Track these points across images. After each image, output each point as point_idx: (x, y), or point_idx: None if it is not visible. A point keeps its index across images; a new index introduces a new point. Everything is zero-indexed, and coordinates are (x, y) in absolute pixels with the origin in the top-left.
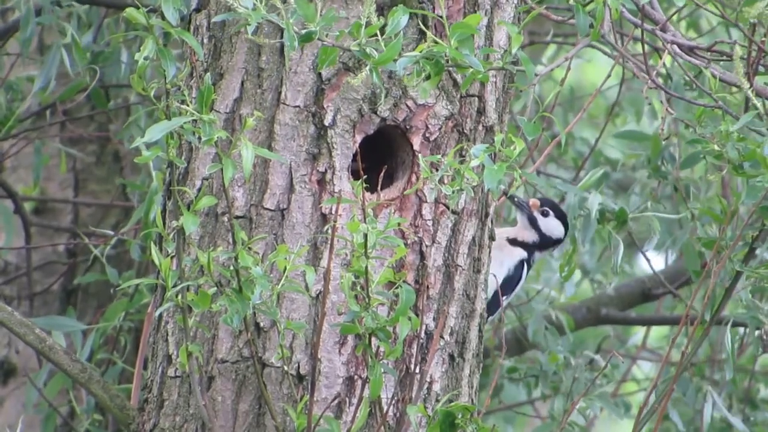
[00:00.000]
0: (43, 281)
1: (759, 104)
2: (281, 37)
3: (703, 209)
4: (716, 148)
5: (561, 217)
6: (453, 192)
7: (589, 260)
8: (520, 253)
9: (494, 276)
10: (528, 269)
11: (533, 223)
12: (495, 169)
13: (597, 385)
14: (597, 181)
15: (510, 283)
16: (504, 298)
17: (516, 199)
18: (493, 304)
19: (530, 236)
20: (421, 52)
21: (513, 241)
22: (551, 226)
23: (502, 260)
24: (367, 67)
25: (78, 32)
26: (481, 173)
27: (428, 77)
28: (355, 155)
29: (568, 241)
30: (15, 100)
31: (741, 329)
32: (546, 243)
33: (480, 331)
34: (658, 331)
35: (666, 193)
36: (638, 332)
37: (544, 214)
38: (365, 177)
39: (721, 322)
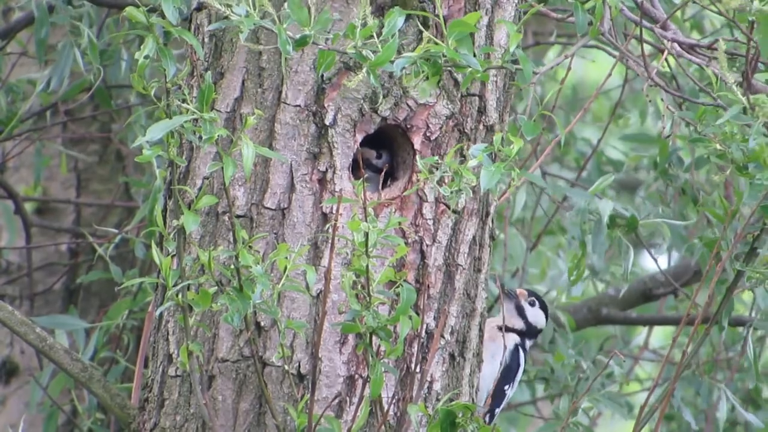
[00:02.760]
0: (45, 281)
1: (743, 99)
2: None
3: (707, 209)
4: (718, 147)
5: (543, 308)
6: (452, 193)
7: (597, 261)
8: (514, 339)
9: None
10: (525, 355)
11: (521, 311)
12: (492, 170)
13: (602, 385)
14: (606, 187)
15: (510, 371)
16: (507, 386)
17: (505, 289)
18: (496, 396)
19: (518, 323)
20: (419, 53)
21: (504, 329)
22: (537, 315)
23: (494, 352)
24: (364, 69)
25: (89, 31)
26: (480, 173)
27: (428, 77)
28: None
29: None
30: (16, 100)
31: (740, 328)
32: (532, 331)
33: (481, 330)
34: (662, 332)
35: (672, 193)
36: (642, 332)
37: (531, 304)
38: (366, 176)
39: (731, 323)
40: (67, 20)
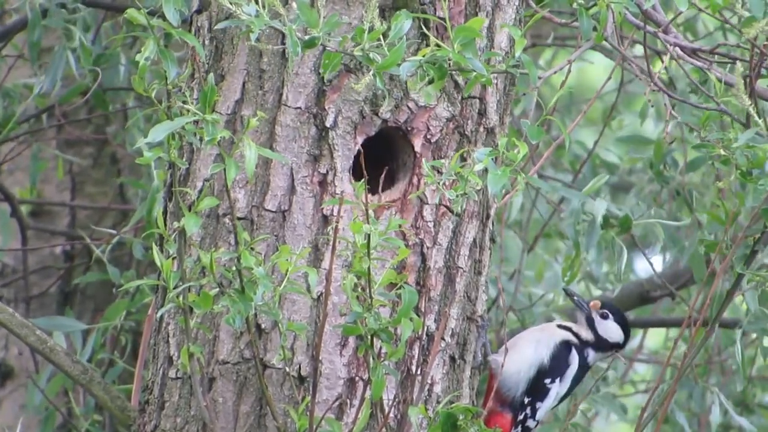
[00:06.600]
0: (41, 284)
1: (760, 122)
2: (283, 41)
3: (708, 212)
4: (722, 152)
5: (621, 322)
6: (457, 197)
7: (595, 268)
8: (563, 335)
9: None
10: (581, 360)
11: (590, 323)
12: (499, 173)
13: (598, 389)
14: (600, 187)
15: (554, 363)
16: (549, 381)
17: (575, 298)
18: (537, 389)
19: (586, 334)
20: (424, 56)
21: (563, 327)
22: (609, 329)
23: (539, 338)
24: (371, 72)
25: (82, 35)
26: (484, 177)
27: (431, 81)
28: (357, 155)
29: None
30: (12, 104)
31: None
32: (602, 344)
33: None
34: (656, 336)
35: (667, 196)
36: (638, 336)
37: (603, 317)
38: (367, 178)
39: (725, 325)
40: (61, 23)
